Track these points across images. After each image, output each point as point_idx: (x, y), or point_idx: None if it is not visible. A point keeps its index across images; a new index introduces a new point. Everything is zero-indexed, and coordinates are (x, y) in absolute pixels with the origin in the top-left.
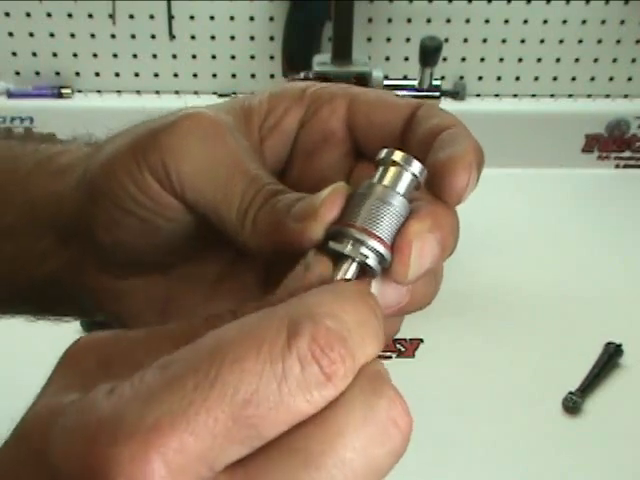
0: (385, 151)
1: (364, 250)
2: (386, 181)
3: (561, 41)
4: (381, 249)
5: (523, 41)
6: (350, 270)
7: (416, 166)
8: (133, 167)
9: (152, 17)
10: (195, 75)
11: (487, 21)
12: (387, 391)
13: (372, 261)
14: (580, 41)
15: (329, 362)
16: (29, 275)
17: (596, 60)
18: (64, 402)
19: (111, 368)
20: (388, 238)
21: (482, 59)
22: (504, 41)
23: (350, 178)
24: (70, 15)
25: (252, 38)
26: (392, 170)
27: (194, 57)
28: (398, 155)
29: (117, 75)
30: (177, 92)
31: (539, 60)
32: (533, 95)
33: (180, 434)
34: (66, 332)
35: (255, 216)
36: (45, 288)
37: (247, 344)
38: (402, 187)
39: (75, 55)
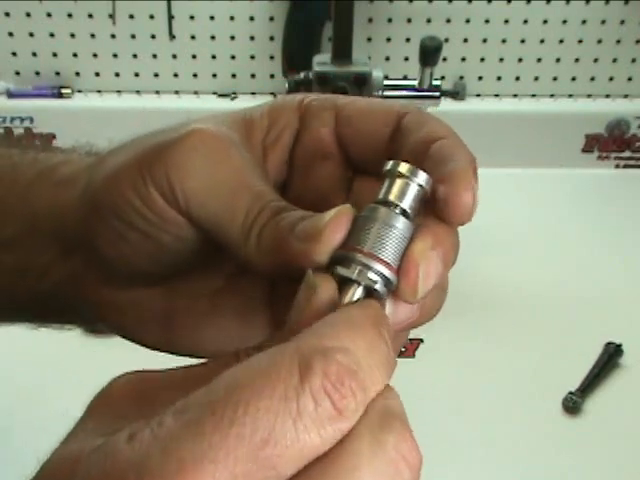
0: (391, 163)
1: (371, 275)
2: (392, 195)
3: (561, 41)
4: (387, 273)
5: (523, 41)
6: (356, 294)
7: (422, 177)
8: (138, 181)
9: (152, 17)
10: (195, 75)
11: (487, 21)
12: (396, 427)
13: (379, 286)
14: (580, 41)
15: (340, 397)
16: (30, 287)
17: (596, 60)
18: (89, 448)
19: (143, 409)
20: (394, 262)
21: (482, 59)
22: (504, 41)
23: (350, 192)
24: (70, 15)
25: (252, 38)
26: (398, 182)
27: (194, 57)
28: (404, 167)
29: (117, 75)
30: (177, 92)
31: (539, 60)
32: (533, 95)
33: (202, 477)
34: (67, 332)
35: (259, 233)
36: (46, 300)
37: (261, 384)
38: (409, 199)
39: (75, 55)
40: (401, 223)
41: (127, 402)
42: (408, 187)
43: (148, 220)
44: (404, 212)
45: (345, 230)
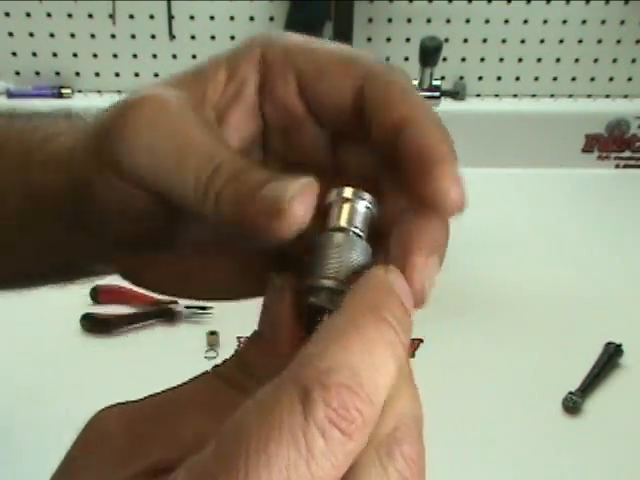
0: (335, 192)
1: (332, 296)
2: (343, 221)
3: (561, 41)
4: (342, 287)
5: (523, 41)
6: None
7: (367, 198)
8: (102, 169)
9: (152, 17)
10: None
11: (487, 21)
12: (399, 455)
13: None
14: (580, 41)
15: (347, 423)
16: (44, 263)
17: (596, 60)
18: None
19: (137, 449)
20: (347, 276)
21: (482, 59)
22: (504, 41)
23: (336, 158)
24: (70, 15)
25: None
26: (346, 207)
27: (194, 57)
28: (348, 192)
29: (117, 75)
30: None
31: (539, 60)
32: (533, 95)
33: None
34: (67, 332)
35: (217, 198)
36: (62, 272)
37: (267, 428)
38: (359, 221)
39: (75, 55)
40: (357, 243)
41: (122, 440)
42: (355, 210)
43: (116, 201)
44: (356, 234)
45: (310, 208)
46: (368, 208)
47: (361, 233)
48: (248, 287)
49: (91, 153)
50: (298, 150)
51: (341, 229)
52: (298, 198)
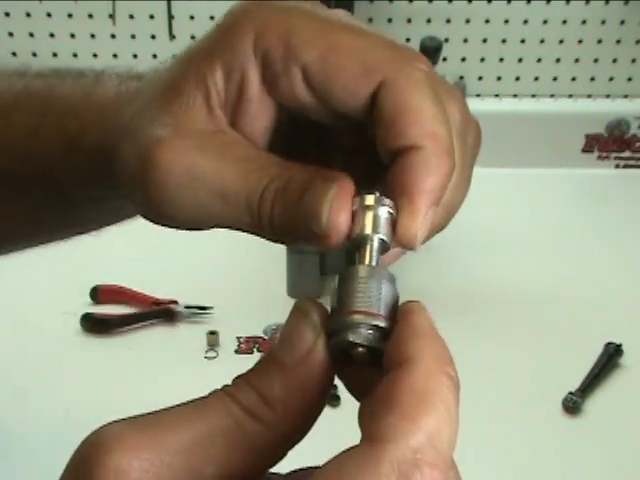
0: (357, 200)
1: (368, 331)
2: (368, 229)
3: (561, 41)
4: (383, 324)
5: (523, 41)
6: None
7: (388, 203)
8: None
9: (152, 17)
10: None
11: (487, 21)
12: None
13: (378, 341)
14: (580, 41)
15: None
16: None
17: (596, 60)
18: None
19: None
20: (385, 309)
21: (482, 59)
22: (504, 41)
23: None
24: (70, 15)
25: None
26: (369, 215)
27: None
28: (370, 199)
29: None
30: None
31: (539, 60)
32: (533, 95)
33: None
34: (67, 332)
35: (270, 221)
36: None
37: None
38: (383, 227)
39: (75, 55)
40: (381, 273)
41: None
42: (378, 217)
43: None
44: (382, 241)
45: (348, 210)
46: (390, 213)
47: (386, 238)
48: None
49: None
50: (319, 131)
51: (366, 237)
52: (332, 215)
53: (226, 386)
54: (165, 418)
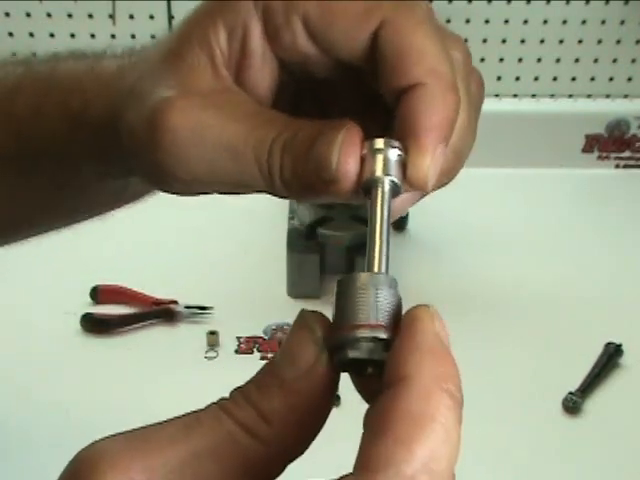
0: (366, 144)
1: (370, 346)
2: (378, 171)
3: (561, 41)
4: (384, 335)
5: (523, 41)
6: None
7: (398, 145)
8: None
9: (152, 17)
10: None
11: (487, 21)
12: None
13: (381, 354)
14: (580, 41)
15: None
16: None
17: (596, 60)
18: None
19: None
20: (386, 318)
21: (482, 59)
22: (504, 41)
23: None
24: (70, 15)
25: None
26: (379, 158)
27: None
28: (379, 142)
29: None
30: None
31: (539, 60)
32: (533, 95)
33: None
34: (67, 332)
35: (281, 177)
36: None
37: None
38: (393, 169)
39: None
40: (382, 280)
41: None
42: (388, 159)
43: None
44: (394, 183)
45: (358, 151)
46: (400, 156)
47: (397, 180)
48: None
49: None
50: (322, 86)
51: (377, 179)
52: (342, 160)
53: (222, 400)
54: (157, 435)
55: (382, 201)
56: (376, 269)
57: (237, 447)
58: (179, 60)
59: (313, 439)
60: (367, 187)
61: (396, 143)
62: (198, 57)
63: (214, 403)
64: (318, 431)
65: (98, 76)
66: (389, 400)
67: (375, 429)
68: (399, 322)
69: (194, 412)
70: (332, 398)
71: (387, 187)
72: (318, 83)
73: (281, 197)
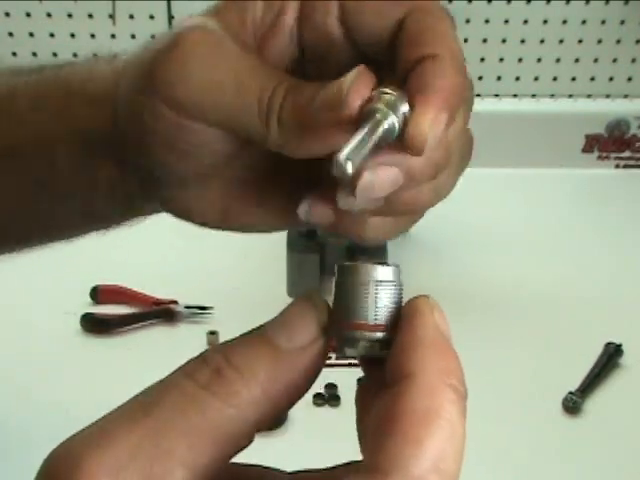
0: (376, 91)
1: (368, 345)
2: (381, 105)
3: (561, 41)
4: (382, 335)
5: (523, 41)
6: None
7: (407, 100)
8: (147, 103)
9: (152, 17)
10: None
11: (487, 21)
12: None
13: (380, 350)
14: (580, 41)
15: None
16: (100, 202)
17: (596, 60)
18: None
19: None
20: (385, 316)
21: (482, 59)
22: (504, 41)
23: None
24: (70, 15)
25: None
26: (385, 97)
27: None
28: (390, 89)
29: None
30: None
31: (539, 60)
32: (533, 95)
33: None
34: (67, 332)
35: (279, 115)
36: (118, 211)
37: None
38: (397, 112)
39: (75, 55)
40: (383, 275)
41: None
42: (394, 102)
43: (167, 135)
44: (390, 124)
45: (368, 88)
46: (404, 113)
47: (395, 123)
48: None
49: (139, 89)
50: (332, 77)
51: (376, 109)
52: (356, 81)
53: (193, 361)
54: (113, 424)
55: (374, 124)
56: (342, 155)
57: (205, 417)
58: (214, 12)
59: (281, 415)
60: (364, 117)
61: (405, 98)
62: (230, 16)
63: (180, 370)
64: (289, 408)
65: (98, 66)
66: (394, 399)
67: (382, 428)
68: (399, 316)
69: (158, 382)
70: (314, 379)
71: (384, 122)
72: (328, 74)
73: (272, 147)
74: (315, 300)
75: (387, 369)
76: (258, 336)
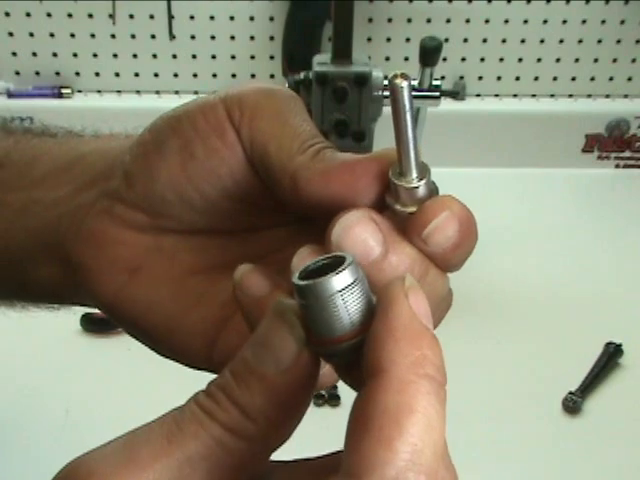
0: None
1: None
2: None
3: (561, 41)
4: (356, 340)
5: (523, 41)
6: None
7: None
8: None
9: (152, 17)
10: (195, 75)
11: (487, 21)
12: None
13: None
14: (580, 41)
15: None
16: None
17: (596, 60)
18: None
19: None
20: (358, 320)
21: (482, 59)
22: (504, 41)
23: None
24: (70, 15)
25: (252, 38)
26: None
27: (194, 57)
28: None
29: (117, 75)
30: (177, 92)
31: (539, 60)
32: (533, 95)
33: None
34: (67, 332)
35: (305, 163)
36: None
37: None
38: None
39: (75, 55)
40: (341, 281)
41: None
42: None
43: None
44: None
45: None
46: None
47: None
48: None
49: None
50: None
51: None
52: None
53: (199, 396)
54: (141, 452)
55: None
56: (412, 175)
57: (223, 450)
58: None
59: (296, 427)
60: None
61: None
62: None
63: (193, 400)
64: (301, 419)
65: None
66: (366, 397)
67: (356, 429)
68: (373, 305)
69: (173, 416)
70: (313, 389)
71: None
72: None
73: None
74: (285, 313)
75: (362, 367)
76: (245, 365)
